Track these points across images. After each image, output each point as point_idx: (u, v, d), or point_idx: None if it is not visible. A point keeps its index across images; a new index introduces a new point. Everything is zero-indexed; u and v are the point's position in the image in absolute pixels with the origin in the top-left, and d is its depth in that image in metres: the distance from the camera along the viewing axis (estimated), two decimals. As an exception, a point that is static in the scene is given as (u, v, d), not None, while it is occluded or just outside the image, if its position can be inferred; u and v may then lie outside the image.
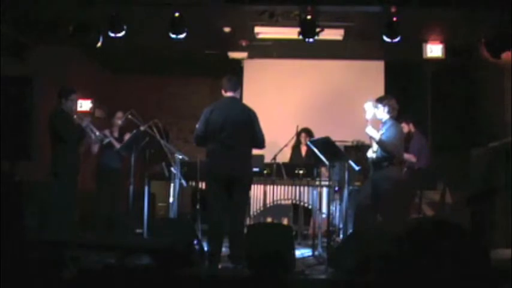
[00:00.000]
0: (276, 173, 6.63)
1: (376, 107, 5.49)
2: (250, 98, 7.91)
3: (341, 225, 6.42)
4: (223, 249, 5.15)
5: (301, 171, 6.52)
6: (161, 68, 9.24)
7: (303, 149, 7.62)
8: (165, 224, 5.69)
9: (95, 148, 6.69)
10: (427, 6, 6.13)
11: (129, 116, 6.16)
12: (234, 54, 8.55)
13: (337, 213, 6.52)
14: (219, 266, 5.00)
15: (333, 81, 8.80)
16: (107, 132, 6.83)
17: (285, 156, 7.34)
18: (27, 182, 5.50)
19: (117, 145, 6.63)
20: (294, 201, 6.76)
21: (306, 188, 6.52)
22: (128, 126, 6.61)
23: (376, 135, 5.40)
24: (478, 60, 7.28)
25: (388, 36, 6.39)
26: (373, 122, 5.51)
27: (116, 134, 6.95)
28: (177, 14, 6.33)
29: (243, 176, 5.11)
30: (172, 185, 6.55)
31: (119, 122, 6.86)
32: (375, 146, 5.43)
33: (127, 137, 6.62)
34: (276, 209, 7.28)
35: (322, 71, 8.88)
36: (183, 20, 6.37)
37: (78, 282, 3.82)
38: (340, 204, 6.45)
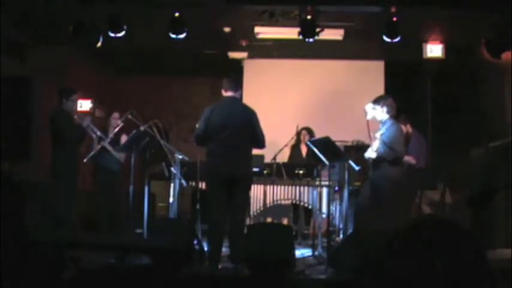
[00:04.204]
0: (276, 173, 6.63)
1: (374, 108, 5.50)
2: (250, 98, 7.91)
3: (341, 225, 6.43)
4: (223, 249, 5.15)
5: (301, 171, 6.52)
6: (161, 68, 9.24)
7: (303, 148, 7.62)
8: (165, 224, 5.68)
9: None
10: (427, 6, 6.14)
11: (129, 116, 6.15)
12: (234, 54, 8.56)
13: (337, 213, 6.52)
14: (219, 266, 5.00)
15: (333, 81, 8.80)
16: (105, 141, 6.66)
17: (285, 156, 7.34)
18: (27, 182, 5.50)
19: (109, 147, 6.54)
20: (294, 201, 6.76)
21: (306, 188, 6.52)
22: (126, 127, 6.59)
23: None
24: (478, 60, 7.28)
25: (388, 36, 6.39)
26: (373, 123, 5.53)
27: (111, 135, 6.72)
28: (177, 14, 6.33)
29: (243, 176, 5.11)
30: (172, 185, 6.54)
31: (118, 122, 6.67)
32: (374, 146, 5.44)
33: (123, 137, 6.59)
34: (276, 209, 7.27)
35: (322, 71, 8.89)
36: (183, 20, 6.38)
37: (78, 282, 3.83)
38: (340, 204, 6.45)
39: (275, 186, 6.57)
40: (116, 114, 6.77)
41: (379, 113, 5.52)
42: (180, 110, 9.61)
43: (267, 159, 6.71)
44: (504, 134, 6.54)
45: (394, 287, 3.18)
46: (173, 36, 6.45)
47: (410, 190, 6.32)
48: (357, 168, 5.79)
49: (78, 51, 7.92)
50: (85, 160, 6.39)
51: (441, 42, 7.40)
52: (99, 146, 6.45)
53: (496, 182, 6.27)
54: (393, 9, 6.22)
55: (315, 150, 5.63)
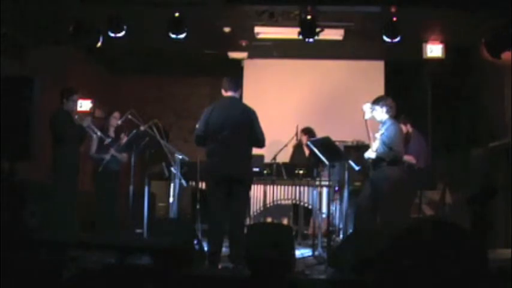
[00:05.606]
0: (276, 173, 6.63)
1: (373, 109, 5.50)
2: (250, 98, 7.91)
3: (341, 225, 6.43)
4: (223, 249, 5.15)
5: (301, 171, 6.52)
6: (161, 68, 9.24)
7: (306, 148, 7.62)
8: (165, 224, 5.69)
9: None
10: (427, 6, 6.14)
11: (129, 116, 6.15)
12: (234, 54, 8.56)
13: (337, 213, 6.52)
14: (219, 266, 5.00)
15: (333, 81, 8.81)
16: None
17: (286, 156, 7.34)
18: (27, 182, 5.50)
19: (113, 150, 6.53)
20: (294, 201, 6.76)
21: (306, 188, 6.52)
22: (126, 126, 6.59)
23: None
24: (478, 60, 7.29)
25: (388, 36, 6.40)
26: (373, 123, 5.53)
27: (111, 134, 6.69)
28: (177, 14, 6.34)
29: (243, 176, 5.11)
30: (172, 185, 6.54)
31: (119, 122, 6.58)
32: (374, 146, 5.44)
33: (123, 137, 6.58)
34: (276, 209, 7.27)
35: (322, 71, 8.89)
36: (183, 20, 6.38)
37: (78, 282, 3.82)
38: (340, 204, 6.45)
39: (275, 186, 6.58)
40: (116, 114, 6.73)
41: (379, 114, 5.52)
42: (180, 110, 9.61)
43: (267, 159, 6.71)
44: (504, 134, 6.54)
45: (394, 287, 3.19)
46: (173, 36, 6.46)
47: (410, 190, 6.33)
48: (357, 168, 5.79)
49: (78, 51, 7.92)
50: (100, 169, 6.37)
51: (441, 42, 7.40)
52: (110, 154, 6.43)
53: (496, 182, 6.28)
54: (393, 9, 6.23)
55: (315, 150, 5.63)
